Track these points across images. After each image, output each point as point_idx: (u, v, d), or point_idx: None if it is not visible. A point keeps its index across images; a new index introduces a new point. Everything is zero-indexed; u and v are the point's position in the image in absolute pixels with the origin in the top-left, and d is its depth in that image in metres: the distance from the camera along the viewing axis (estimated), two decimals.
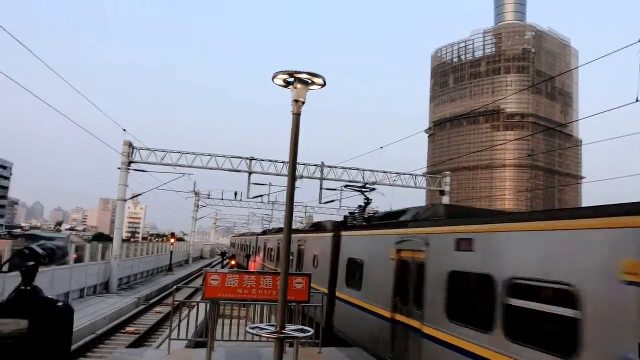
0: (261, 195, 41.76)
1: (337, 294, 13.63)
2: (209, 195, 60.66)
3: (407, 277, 9.49)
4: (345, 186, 23.11)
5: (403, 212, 12.10)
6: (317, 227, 18.54)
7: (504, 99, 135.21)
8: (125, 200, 30.57)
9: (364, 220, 15.60)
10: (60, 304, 3.10)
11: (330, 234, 14.94)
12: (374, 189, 20.09)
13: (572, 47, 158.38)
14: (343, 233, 14.37)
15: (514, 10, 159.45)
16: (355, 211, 18.01)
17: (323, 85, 6.18)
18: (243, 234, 63.69)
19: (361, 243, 12.79)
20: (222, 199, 58.07)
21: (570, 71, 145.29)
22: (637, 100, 12.41)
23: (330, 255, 14.56)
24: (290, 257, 19.58)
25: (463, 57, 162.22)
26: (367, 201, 18.37)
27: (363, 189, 19.43)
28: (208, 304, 9.91)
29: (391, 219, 12.37)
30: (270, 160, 33.01)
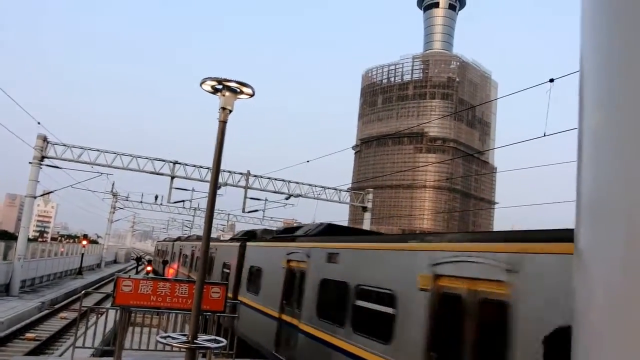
0: (183, 201, 40.82)
1: (240, 298, 14.85)
2: (127, 197, 58.31)
3: (293, 283, 11.00)
4: None
5: (298, 227, 14.21)
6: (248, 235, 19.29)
7: (428, 123, 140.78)
8: (35, 197, 28.77)
9: (270, 233, 17.46)
10: None
11: (238, 244, 16.46)
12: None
13: (492, 79, 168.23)
14: (248, 243, 15.81)
15: (442, 40, 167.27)
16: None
17: (252, 95, 6.21)
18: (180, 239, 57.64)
19: (262, 253, 14.26)
20: (141, 202, 55.91)
21: (490, 102, 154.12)
22: (544, 135, 13.43)
23: (236, 262, 16.04)
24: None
25: (392, 79, 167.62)
26: None
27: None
28: (118, 311, 9.53)
29: (289, 233, 14.14)
30: (194, 166, 32.37)
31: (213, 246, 19.67)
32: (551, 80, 12.15)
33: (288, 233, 13.94)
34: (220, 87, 6.11)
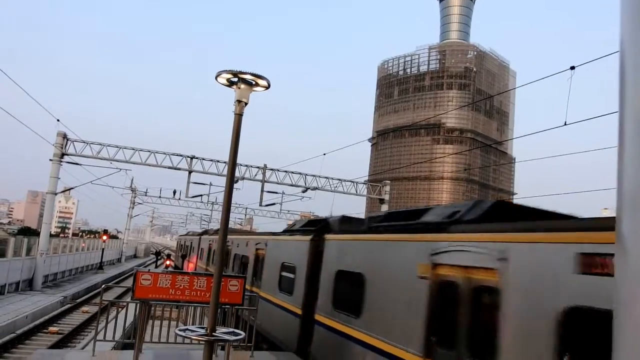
0: (201, 195, 41.06)
1: (320, 318, 11.72)
2: (146, 192, 58.93)
3: (258, 264, 15.37)
4: None
5: (426, 210, 11.96)
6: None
7: (445, 113, 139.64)
8: (55, 194, 29.22)
9: (357, 222, 13.12)
10: None
11: (307, 238, 12.26)
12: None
13: (510, 68, 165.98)
14: (328, 236, 11.45)
15: (459, 30, 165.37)
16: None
17: (267, 87, 6.16)
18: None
19: (362, 252, 9.92)
20: (160, 196, 56.59)
21: (508, 91, 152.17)
22: (565, 124, 13.14)
23: (306, 265, 12.17)
24: (244, 262, 17.51)
25: (408, 70, 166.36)
26: None
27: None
28: (138, 305, 9.60)
29: (411, 218, 11.19)
30: (211, 160, 32.49)
31: (262, 240, 15.92)
32: (572, 68, 11.88)
33: (407, 218, 8.71)
34: (235, 79, 6.07)
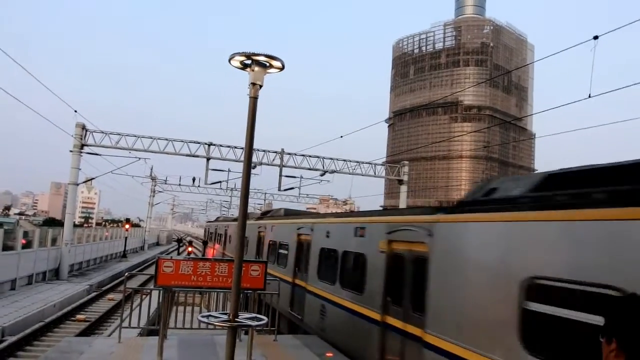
0: (219, 182, 41.22)
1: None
2: (166, 180, 59.38)
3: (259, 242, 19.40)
4: None
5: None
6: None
7: (462, 91, 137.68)
8: (77, 185, 29.60)
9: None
10: None
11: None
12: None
13: (528, 42, 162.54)
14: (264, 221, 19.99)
15: (474, 4, 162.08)
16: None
17: (282, 68, 6.04)
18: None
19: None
20: (179, 184, 56.95)
21: (526, 66, 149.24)
22: (589, 96, 12.72)
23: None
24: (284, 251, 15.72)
25: (424, 48, 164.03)
26: None
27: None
28: (161, 292, 9.68)
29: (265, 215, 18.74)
30: (229, 146, 32.52)
31: (312, 224, 13.44)
32: (595, 38, 11.45)
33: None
34: (249, 62, 5.96)
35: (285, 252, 15.14)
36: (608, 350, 1.64)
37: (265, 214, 24.15)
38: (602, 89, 12.93)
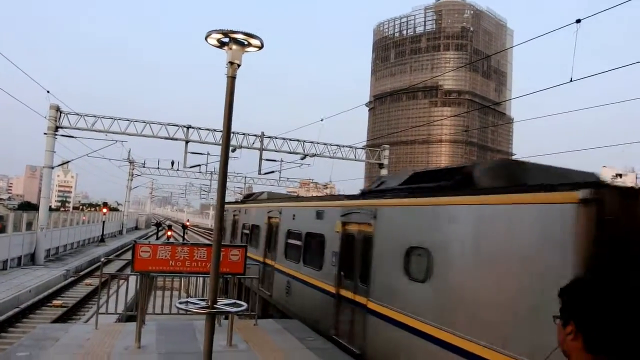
0: (199, 165, 40.78)
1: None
2: (144, 164, 58.54)
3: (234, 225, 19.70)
4: None
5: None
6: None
7: (441, 75, 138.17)
8: (52, 168, 28.92)
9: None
10: None
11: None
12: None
13: (508, 27, 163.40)
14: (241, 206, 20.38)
15: None
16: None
17: (260, 47, 5.84)
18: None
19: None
20: (158, 168, 56.15)
21: (505, 51, 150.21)
22: (571, 80, 12.74)
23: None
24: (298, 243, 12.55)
25: (404, 32, 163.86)
26: None
27: None
28: (138, 277, 9.49)
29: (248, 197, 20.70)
30: (208, 129, 32.07)
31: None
32: (578, 21, 11.44)
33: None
34: (226, 40, 5.75)
35: (257, 234, 16.09)
36: (565, 333, 1.63)
37: (248, 197, 23.65)
38: (586, 72, 12.98)
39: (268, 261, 14.52)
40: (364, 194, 10.23)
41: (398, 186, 8.84)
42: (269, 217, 14.89)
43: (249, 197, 22.90)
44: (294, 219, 12.86)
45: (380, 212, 8.47)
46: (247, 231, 17.69)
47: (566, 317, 1.64)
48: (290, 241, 12.97)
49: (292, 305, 12.28)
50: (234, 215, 20.18)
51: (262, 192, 21.83)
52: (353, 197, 10.30)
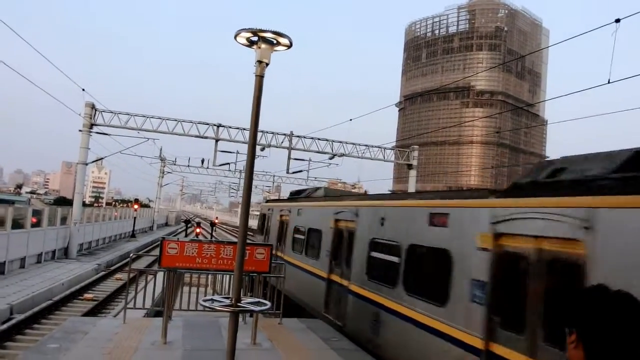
0: (228, 164, 41.16)
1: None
2: (175, 161, 59.45)
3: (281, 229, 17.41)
4: None
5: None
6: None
7: (474, 75, 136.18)
8: (86, 164, 29.65)
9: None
10: None
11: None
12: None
13: (543, 27, 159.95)
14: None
15: None
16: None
17: (289, 46, 5.82)
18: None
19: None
20: (188, 165, 57.02)
21: (540, 51, 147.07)
22: (608, 82, 12.29)
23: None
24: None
25: (437, 32, 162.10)
26: None
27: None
28: (165, 273, 9.60)
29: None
30: (237, 128, 32.34)
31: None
32: (617, 21, 11.03)
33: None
34: (255, 39, 5.75)
35: (318, 240, 13.41)
36: (569, 341, 1.68)
37: (297, 194, 19.90)
38: (626, 74, 12.54)
39: (335, 278, 11.34)
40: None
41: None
42: (281, 215, 14.86)
43: (299, 194, 19.12)
44: (382, 224, 9.32)
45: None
46: (300, 236, 14.44)
47: (570, 326, 1.69)
48: (377, 255, 9.48)
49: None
50: (281, 216, 16.86)
51: (318, 188, 18.51)
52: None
